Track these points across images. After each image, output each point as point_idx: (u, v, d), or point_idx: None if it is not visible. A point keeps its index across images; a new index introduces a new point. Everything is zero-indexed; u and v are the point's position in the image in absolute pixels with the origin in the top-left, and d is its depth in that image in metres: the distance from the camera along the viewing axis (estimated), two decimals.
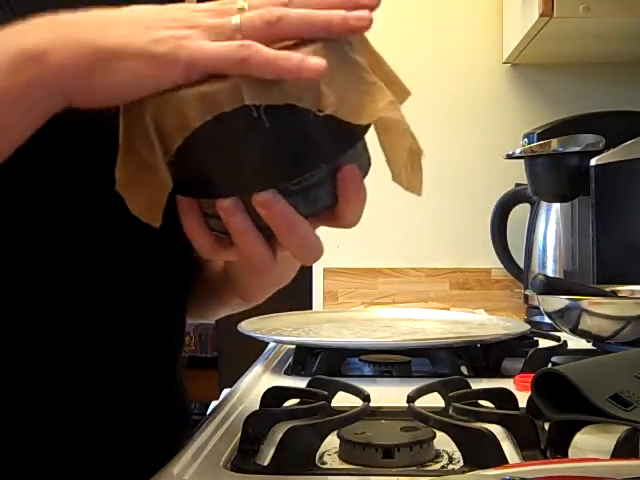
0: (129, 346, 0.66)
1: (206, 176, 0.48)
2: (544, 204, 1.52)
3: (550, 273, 1.49)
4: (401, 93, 0.53)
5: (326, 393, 0.74)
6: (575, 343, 1.10)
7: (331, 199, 0.51)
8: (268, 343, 1.21)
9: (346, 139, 0.49)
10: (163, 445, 0.70)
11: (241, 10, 0.48)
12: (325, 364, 0.98)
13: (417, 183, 0.51)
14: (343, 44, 0.48)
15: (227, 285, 0.81)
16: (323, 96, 0.47)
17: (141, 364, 0.68)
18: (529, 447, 0.63)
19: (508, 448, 0.63)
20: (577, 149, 1.35)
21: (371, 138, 0.51)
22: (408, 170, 0.51)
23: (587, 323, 1.03)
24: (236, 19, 0.47)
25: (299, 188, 0.49)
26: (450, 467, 0.62)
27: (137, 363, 0.68)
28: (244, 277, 0.77)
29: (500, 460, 0.58)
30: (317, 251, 0.52)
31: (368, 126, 0.49)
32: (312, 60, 0.45)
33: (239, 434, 0.65)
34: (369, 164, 0.54)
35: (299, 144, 0.47)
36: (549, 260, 1.52)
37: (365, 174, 0.53)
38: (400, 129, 0.50)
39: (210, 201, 0.50)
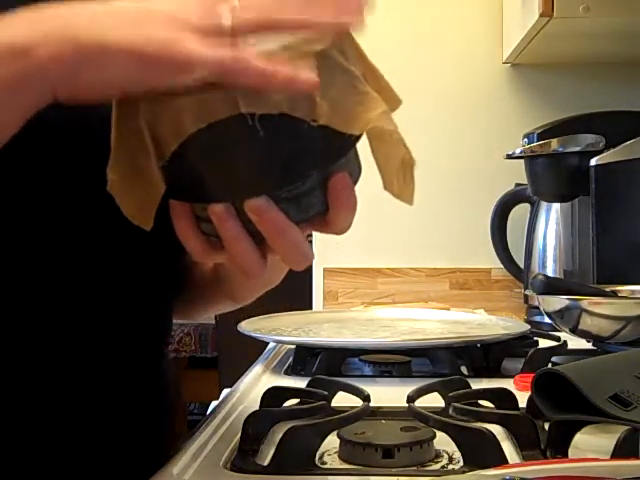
0: (113, 345, 0.66)
1: (199, 181, 0.49)
2: (544, 204, 1.52)
3: (550, 273, 1.49)
4: (392, 101, 0.53)
5: (326, 393, 0.74)
6: (575, 343, 1.10)
7: (322, 206, 0.52)
8: (268, 343, 1.21)
9: (338, 148, 0.50)
10: (150, 446, 0.69)
11: (233, 9, 0.46)
12: (325, 364, 0.98)
13: (409, 193, 0.52)
14: (337, 53, 0.48)
15: (216, 286, 0.81)
16: (317, 106, 0.47)
17: (125, 362, 0.68)
18: (529, 447, 0.63)
19: (508, 448, 0.63)
20: (577, 149, 1.35)
21: (364, 143, 0.51)
22: (400, 180, 0.52)
23: (587, 323, 1.03)
24: (227, 20, 0.46)
25: (291, 195, 0.50)
26: (450, 467, 0.62)
27: (121, 361, 0.67)
28: (234, 278, 0.77)
29: (500, 460, 0.58)
30: (307, 257, 0.53)
31: (360, 135, 0.50)
32: (304, 74, 0.45)
33: (239, 434, 0.65)
34: (360, 171, 0.54)
35: (292, 152, 0.48)
36: (549, 260, 1.52)
37: (356, 181, 0.53)
38: (393, 139, 0.50)
39: (202, 205, 0.51)
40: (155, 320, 0.72)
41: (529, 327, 1.13)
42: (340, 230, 0.54)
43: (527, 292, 1.50)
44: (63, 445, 0.63)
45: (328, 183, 0.50)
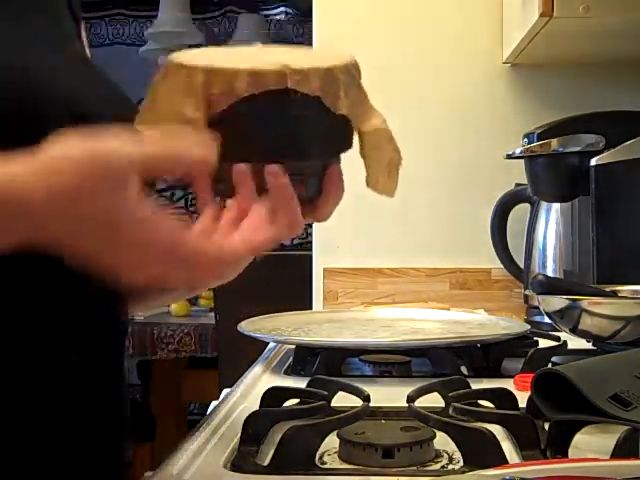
0: (67, 337, 0.64)
1: (235, 140, 0.56)
2: (544, 204, 1.52)
3: (550, 273, 1.49)
4: None
5: (326, 393, 0.74)
6: (575, 343, 1.10)
7: (316, 191, 0.60)
8: (268, 343, 1.21)
9: (346, 143, 0.60)
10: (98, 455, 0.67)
11: None
12: (325, 364, 0.98)
13: (392, 188, 0.62)
14: (354, 70, 0.60)
15: None
16: (340, 99, 0.58)
17: (77, 355, 0.64)
18: (529, 447, 0.63)
19: (508, 448, 0.63)
20: (577, 149, 1.35)
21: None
22: (384, 177, 0.62)
23: (587, 323, 1.03)
24: None
25: (297, 172, 0.58)
26: (450, 467, 0.62)
27: (72, 353, 0.64)
28: None
29: (500, 460, 0.58)
30: (300, 227, 0.60)
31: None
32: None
33: (239, 434, 0.65)
34: None
35: (317, 131, 0.58)
36: (549, 260, 1.52)
37: None
38: (387, 141, 0.61)
39: (225, 165, 0.57)
40: (109, 313, 0.70)
41: (529, 327, 1.13)
42: (323, 217, 0.62)
43: (527, 292, 1.50)
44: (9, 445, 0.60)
45: (326, 171, 0.60)
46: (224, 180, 0.57)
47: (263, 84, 0.56)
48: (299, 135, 0.58)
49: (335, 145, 0.60)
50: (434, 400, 0.74)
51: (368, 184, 0.61)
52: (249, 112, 0.56)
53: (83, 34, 0.78)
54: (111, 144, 0.51)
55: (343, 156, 0.61)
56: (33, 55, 0.63)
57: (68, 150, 0.51)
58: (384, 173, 0.61)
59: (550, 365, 0.96)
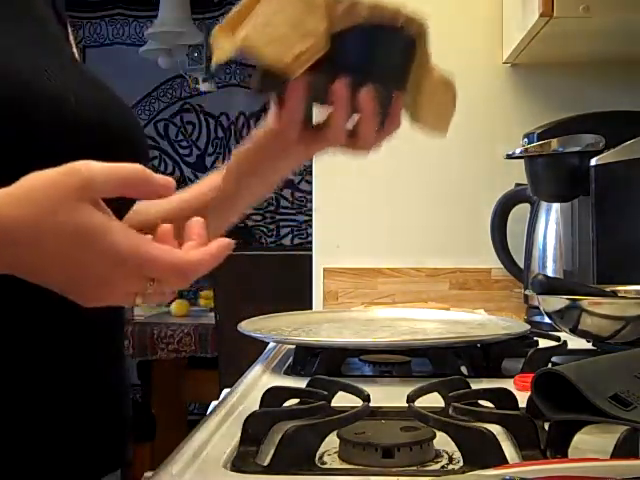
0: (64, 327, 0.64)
1: (344, 57, 0.69)
2: (544, 204, 1.52)
3: (550, 273, 1.49)
4: None
5: (326, 393, 0.74)
6: (575, 343, 1.10)
7: (384, 116, 0.73)
8: (268, 343, 1.21)
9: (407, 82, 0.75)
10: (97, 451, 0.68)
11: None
12: (325, 364, 0.98)
13: (445, 128, 0.77)
14: (426, 38, 0.77)
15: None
16: (423, 48, 0.76)
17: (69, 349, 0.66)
18: (529, 447, 0.63)
19: (508, 448, 0.63)
20: (577, 149, 1.35)
21: None
22: (438, 117, 0.76)
23: (587, 323, 1.03)
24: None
25: (379, 97, 0.71)
26: (450, 467, 0.62)
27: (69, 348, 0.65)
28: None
29: (500, 460, 0.58)
30: (373, 145, 0.75)
31: None
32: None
33: (239, 434, 0.65)
34: None
35: (406, 67, 0.74)
36: (549, 260, 1.52)
37: None
38: (449, 89, 0.78)
39: (327, 79, 0.69)
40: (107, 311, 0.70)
41: (529, 327, 1.13)
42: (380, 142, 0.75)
43: (527, 292, 1.50)
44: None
45: (391, 102, 0.74)
46: (323, 90, 0.69)
47: (379, 16, 0.68)
48: (396, 65, 0.73)
49: (407, 81, 0.74)
50: (434, 400, 0.74)
51: (418, 120, 0.75)
52: (362, 36, 0.68)
53: (71, 36, 0.78)
54: (88, 164, 0.51)
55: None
56: (23, 57, 0.63)
57: (46, 172, 0.51)
58: (438, 113, 0.75)
59: (550, 365, 0.96)
